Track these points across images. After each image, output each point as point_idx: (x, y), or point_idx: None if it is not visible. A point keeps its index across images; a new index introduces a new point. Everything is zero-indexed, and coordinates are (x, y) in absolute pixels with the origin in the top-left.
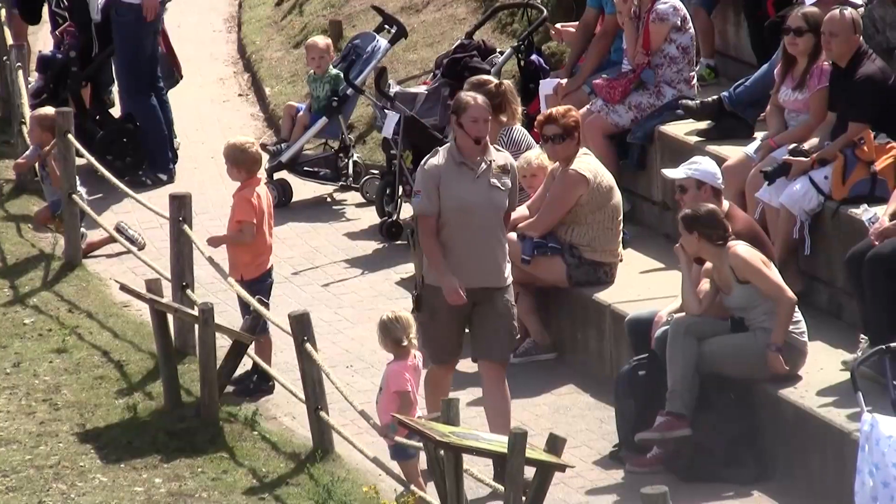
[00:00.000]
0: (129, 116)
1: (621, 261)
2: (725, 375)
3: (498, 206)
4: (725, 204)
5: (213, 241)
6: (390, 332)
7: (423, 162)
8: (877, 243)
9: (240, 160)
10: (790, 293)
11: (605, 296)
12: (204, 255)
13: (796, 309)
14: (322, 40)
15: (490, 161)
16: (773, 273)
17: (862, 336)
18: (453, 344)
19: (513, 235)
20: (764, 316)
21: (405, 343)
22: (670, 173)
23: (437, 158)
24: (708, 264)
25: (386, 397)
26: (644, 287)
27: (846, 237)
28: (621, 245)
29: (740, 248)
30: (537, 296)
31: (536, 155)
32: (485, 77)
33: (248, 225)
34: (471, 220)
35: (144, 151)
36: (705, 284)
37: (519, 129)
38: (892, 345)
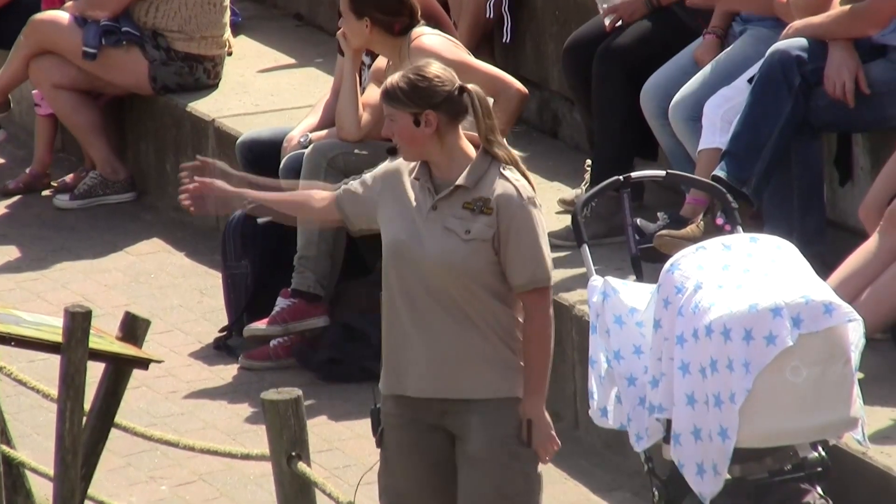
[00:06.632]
0: None
1: (230, 53)
2: None
3: (453, 265)
4: None
5: None
6: None
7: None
8: (609, 29)
9: None
10: (517, 82)
11: (206, 106)
12: None
13: None
14: None
15: (457, 187)
16: (481, 63)
17: (588, 162)
18: (414, 496)
19: (64, 17)
20: None
21: None
22: None
23: (398, 160)
24: (380, 62)
25: None
26: (264, 92)
27: (565, 17)
28: (228, 30)
29: (427, 38)
30: (105, 109)
31: None
32: None
33: None
34: (411, 280)
35: None
36: (374, 94)
37: None
38: (632, 175)
